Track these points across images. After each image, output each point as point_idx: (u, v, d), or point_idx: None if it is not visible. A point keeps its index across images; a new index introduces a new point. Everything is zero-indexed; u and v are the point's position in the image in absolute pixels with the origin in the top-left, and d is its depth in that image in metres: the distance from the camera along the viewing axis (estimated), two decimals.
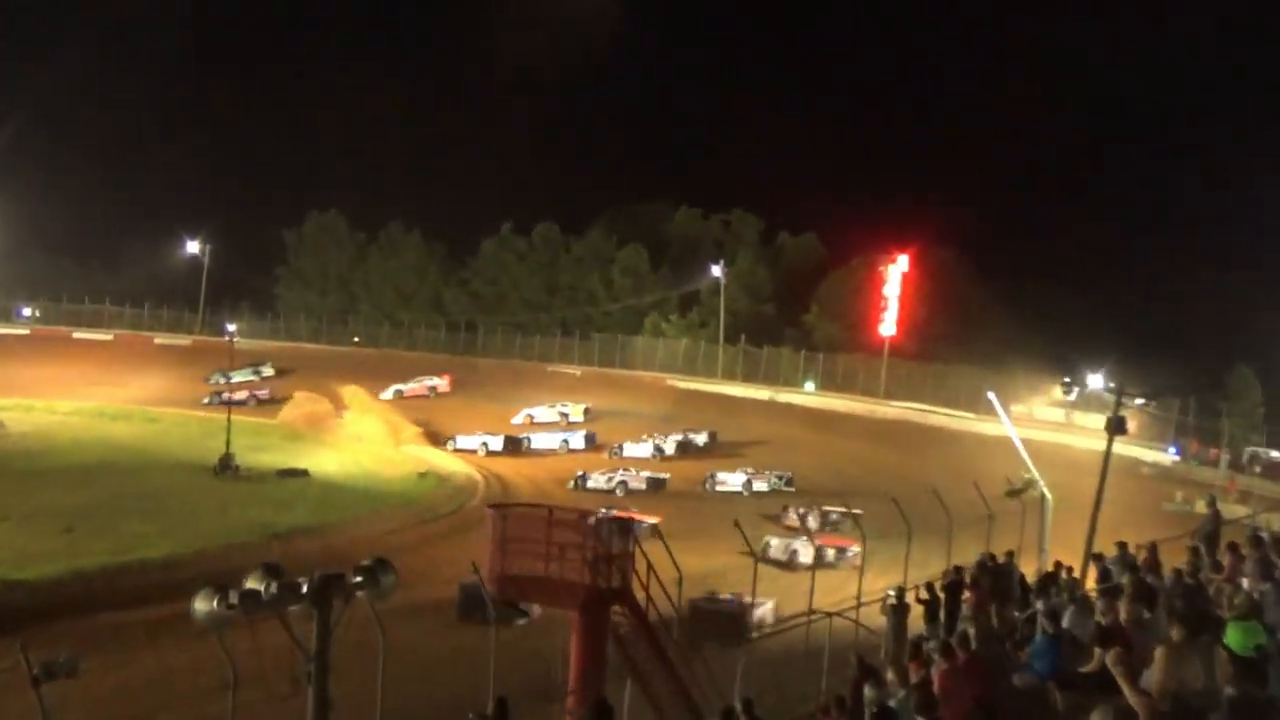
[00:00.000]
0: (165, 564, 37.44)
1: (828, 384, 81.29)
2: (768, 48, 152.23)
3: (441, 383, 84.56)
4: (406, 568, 12.22)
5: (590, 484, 57.59)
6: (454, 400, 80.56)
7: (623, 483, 57.13)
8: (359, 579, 10.10)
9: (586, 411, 74.26)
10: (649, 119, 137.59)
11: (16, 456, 59.77)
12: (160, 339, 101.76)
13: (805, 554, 40.47)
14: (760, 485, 58.27)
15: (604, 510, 33.76)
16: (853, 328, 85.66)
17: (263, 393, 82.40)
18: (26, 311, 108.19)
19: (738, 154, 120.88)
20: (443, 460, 64.01)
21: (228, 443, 58.51)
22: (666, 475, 59.35)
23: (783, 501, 53.35)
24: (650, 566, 26.54)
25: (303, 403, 76.71)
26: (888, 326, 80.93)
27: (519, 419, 73.89)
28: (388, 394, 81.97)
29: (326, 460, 63.07)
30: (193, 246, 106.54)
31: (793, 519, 48.38)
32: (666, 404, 78.12)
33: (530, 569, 25.29)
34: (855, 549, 39.16)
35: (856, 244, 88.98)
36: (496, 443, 67.36)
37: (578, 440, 67.68)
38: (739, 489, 58.16)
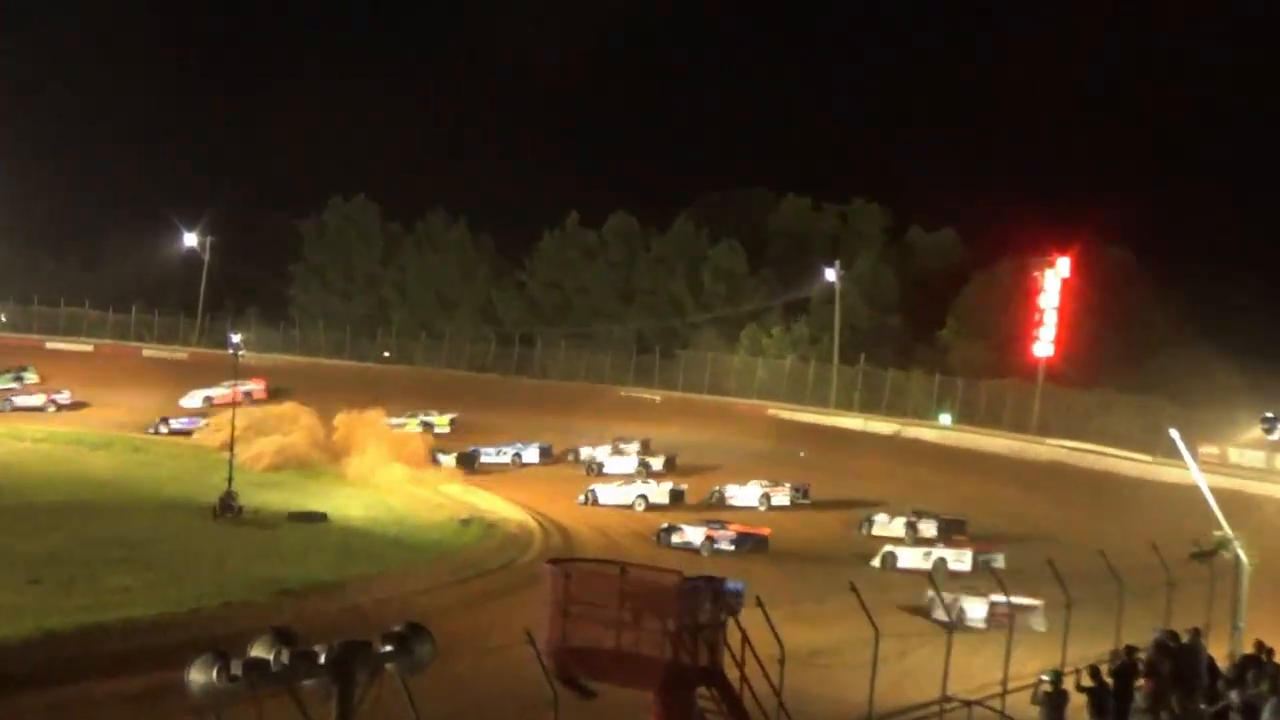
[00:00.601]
0: (153, 625, 37.72)
1: (967, 416, 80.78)
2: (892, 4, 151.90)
3: (256, 387, 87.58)
4: (445, 635, 12.22)
5: (675, 539, 57.07)
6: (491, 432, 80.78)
7: (709, 538, 56.59)
8: (388, 648, 10.12)
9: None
10: (745, 89, 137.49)
11: None
12: (150, 351, 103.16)
13: (975, 611, 40.22)
14: (780, 499, 65.08)
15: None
16: (999, 347, 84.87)
17: (62, 396, 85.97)
18: None
19: (857, 131, 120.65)
20: (490, 504, 64.17)
21: (230, 478, 59.06)
22: (767, 531, 58.47)
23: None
24: (746, 639, 26.38)
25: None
26: (1043, 346, 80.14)
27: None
28: (192, 400, 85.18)
29: (348, 501, 63.50)
30: (190, 239, 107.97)
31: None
32: (766, 439, 77.92)
33: (598, 640, 25.19)
34: (1037, 610, 38.99)
35: (1005, 243, 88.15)
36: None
37: (660, 493, 65.54)
38: (755, 503, 64.77)
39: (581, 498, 65.38)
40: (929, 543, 56.51)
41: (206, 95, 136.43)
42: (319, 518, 58.29)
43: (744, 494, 65.61)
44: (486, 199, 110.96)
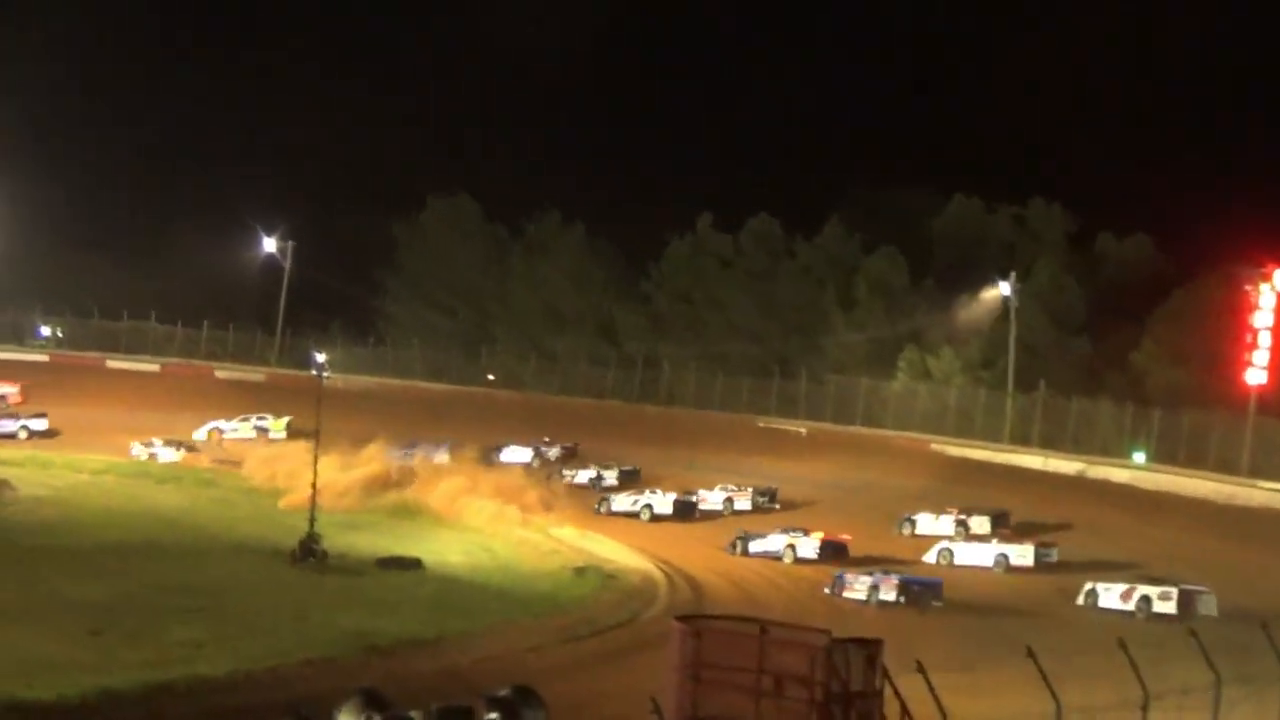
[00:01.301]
0: (225, 684, 38.13)
1: (1166, 453, 79.59)
2: None
3: (11, 391, 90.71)
4: (556, 700, 12.28)
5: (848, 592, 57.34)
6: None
7: (874, 586, 56.46)
8: (493, 715, 10.19)
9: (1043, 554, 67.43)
10: (903, 72, 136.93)
11: (28, 530, 61.69)
12: (224, 371, 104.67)
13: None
14: (743, 504, 72.96)
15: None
16: (1204, 373, 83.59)
17: (38, 423, 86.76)
18: (45, 331, 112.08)
19: (1034, 121, 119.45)
20: (609, 550, 64.26)
21: (311, 519, 59.53)
22: (939, 580, 58.74)
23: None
24: (905, 710, 26.16)
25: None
26: (1256, 373, 78.93)
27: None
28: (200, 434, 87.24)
29: (447, 545, 63.96)
30: (269, 245, 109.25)
31: None
32: (928, 477, 77.37)
33: (733, 709, 25.14)
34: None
35: (1211, 251, 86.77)
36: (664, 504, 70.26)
37: (808, 547, 64.71)
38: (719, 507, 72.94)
39: (730, 546, 65.52)
40: (981, 539, 66.19)
41: (285, 84, 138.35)
42: (412, 564, 58.60)
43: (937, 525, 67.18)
44: (606, 199, 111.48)
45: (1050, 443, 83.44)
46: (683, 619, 28.51)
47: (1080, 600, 57.60)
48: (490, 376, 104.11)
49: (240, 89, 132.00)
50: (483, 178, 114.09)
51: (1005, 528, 67.44)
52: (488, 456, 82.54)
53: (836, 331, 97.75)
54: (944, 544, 65.63)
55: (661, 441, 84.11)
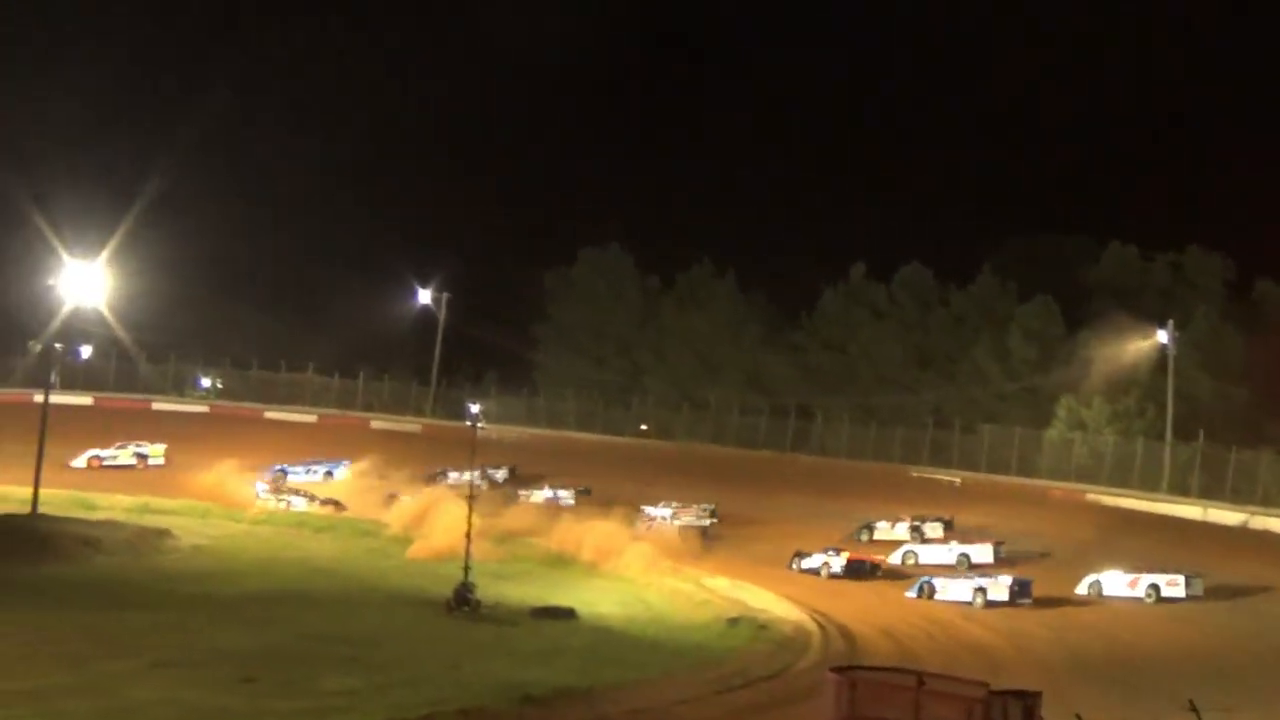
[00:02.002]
0: None
1: None
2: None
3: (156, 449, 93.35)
4: None
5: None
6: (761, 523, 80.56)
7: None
8: None
9: (998, 551, 71.94)
10: (1059, 117, 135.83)
11: (185, 578, 62.67)
12: (379, 422, 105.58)
13: None
14: (687, 519, 77.95)
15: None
16: None
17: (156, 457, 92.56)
18: (205, 382, 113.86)
19: (1192, 168, 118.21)
20: (761, 600, 63.81)
21: (466, 568, 59.75)
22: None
23: None
24: None
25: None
26: None
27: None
28: (79, 461, 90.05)
29: (599, 595, 63.88)
30: (424, 296, 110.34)
31: None
32: (1086, 528, 76.31)
33: None
34: None
35: None
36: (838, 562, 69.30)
37: (1000, 589, 64.00)
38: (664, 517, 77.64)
39: (913, 592, 65.36)
40: (940, 542, 73.57)
41: (438, 139, 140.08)
42: (566, 614, 58.52)
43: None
44: (758, 248, 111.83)
45: (1208, 493, 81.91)
46: (838, 670, 28.18)
47: (1084, 590, 64.88)
48: (643, 426, 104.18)
49: (396, 144, 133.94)
50: (634, 228, 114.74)
51: (951, 530, 75.55)
52: (433, 480, 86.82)
53: (990, 381, 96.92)
54: (906, 547, 73.10)
55: (813, 491, 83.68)
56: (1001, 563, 69.37)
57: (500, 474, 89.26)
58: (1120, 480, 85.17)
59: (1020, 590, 63.36)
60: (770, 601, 63.51)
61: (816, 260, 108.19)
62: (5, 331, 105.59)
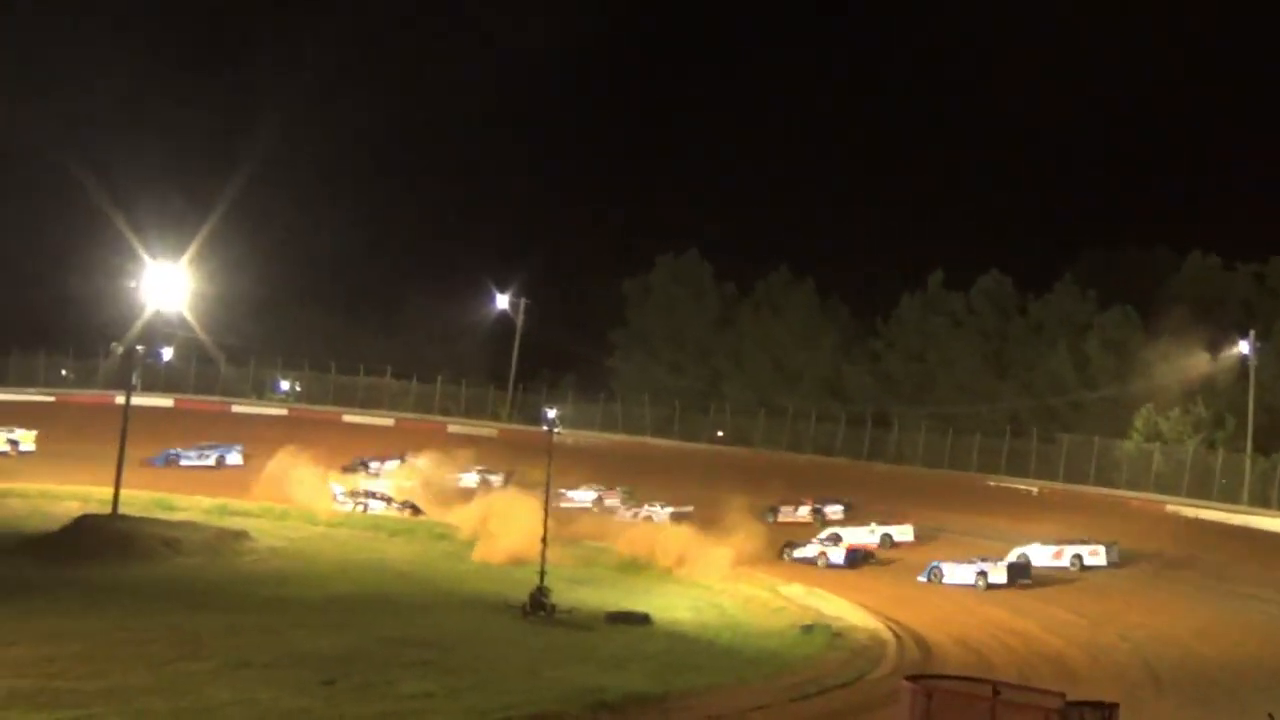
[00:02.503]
0: None
1: None
2: None
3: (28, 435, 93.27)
4: None
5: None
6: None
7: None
8: None
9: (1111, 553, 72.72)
10: (1135, 130, 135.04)
11: (264, 580, 63.19)
12: (456, 426, 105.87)
13: None
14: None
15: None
16: None
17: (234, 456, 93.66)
18: (285, 385, 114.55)
19: (1274, 177, 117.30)
20: (836, 608, 63.67)
21: (541, 573, 59.84)
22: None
23: None
24: None
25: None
26: None
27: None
28: None
29: (674, 600, 63.93)
30: (502, 302, 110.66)
31: None
32: (1163, 538, 75.87)
33: None
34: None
35: None
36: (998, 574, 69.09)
37: (1000, 572, 68.36)
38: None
39: (923, 577, 69.26)
40: (839, 524, 79.11)
41: (515, 142, 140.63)
42: (641, 619, 58.54)
43: None
44: (836, 255, 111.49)
45: None
46: (913, 679, 28.06)
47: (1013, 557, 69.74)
48: (720, 433, 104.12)
49: (475, 151, 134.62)
50: (712, 235, 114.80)
51: (851, 513, 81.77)
52: (352, 470, 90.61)
53: (1068, 390, 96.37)
54: (833, 530, 76.88)
55: (889, 499, 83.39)
56: (1115, 565, 71.32)
57: (496, 479, 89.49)
58: (1200, 491, 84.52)
59: (1018, 572, 68.21)
60: (845, 609, 63.36)
61: (894, 268, 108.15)
62: (88, 334, 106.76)
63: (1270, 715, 30.88)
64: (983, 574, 67.68)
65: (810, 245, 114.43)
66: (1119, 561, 71.42)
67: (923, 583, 68.62)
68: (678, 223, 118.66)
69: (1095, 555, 71.26)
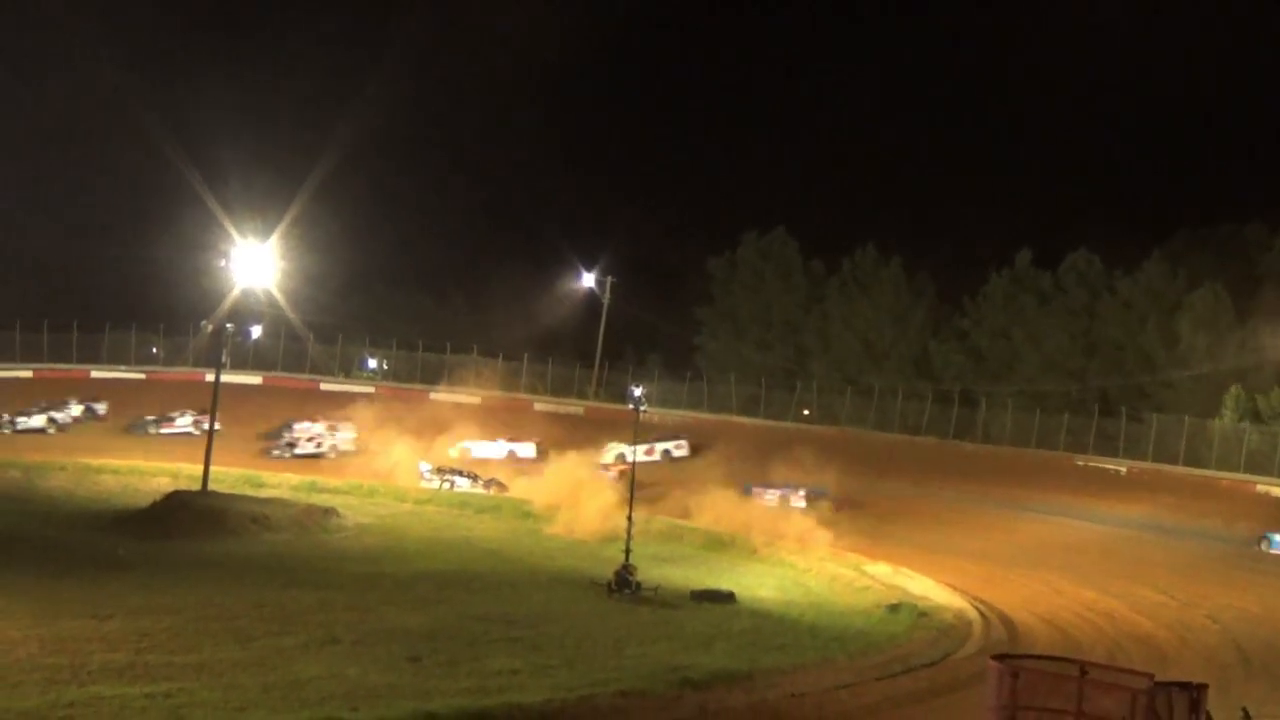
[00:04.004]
0: (541, 713, 38.46)
1: None
2: None
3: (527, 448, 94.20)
4: None
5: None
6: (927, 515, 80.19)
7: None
8: None
9: None
10: (1226, 106, 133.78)
11: (352, 558, 63.66)
12: (542, 404, 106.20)
13: None
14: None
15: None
16: None
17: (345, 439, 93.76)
18: (372, 363, 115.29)
19: None
20: (922, 587, 63.49)
21: (627, 550, 60.08)
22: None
23: None
24: None
25: None
26: None
27: None
28: None
29: (758, 579, 64.07)
30: (588, 280, 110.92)
31: None
32: (1252, 518, 75.29)
33: None
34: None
35: None
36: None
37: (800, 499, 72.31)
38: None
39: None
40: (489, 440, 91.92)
41: (602, 121, 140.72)
42: (726, 598, 58.64)
43: None
44: (923, 234, 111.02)
45: None
46: (999, 658, 27.94)
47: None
48: (805, 411, 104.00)
49: (561, 130, 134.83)
50: (799, 213, 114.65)
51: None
52: (277, 435, 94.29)
53: (1158, 369, 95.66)
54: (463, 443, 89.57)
55: (975, 479, 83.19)
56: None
57: (525, 449, 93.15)
58: None
59: (817, 495, 78.44)
60: (931, 588, 63.17)
61: (982, 246, 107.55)
62: (179, 311, 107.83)
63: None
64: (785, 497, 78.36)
65: (897, 223, 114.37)
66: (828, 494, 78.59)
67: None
68: (764, 200, 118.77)
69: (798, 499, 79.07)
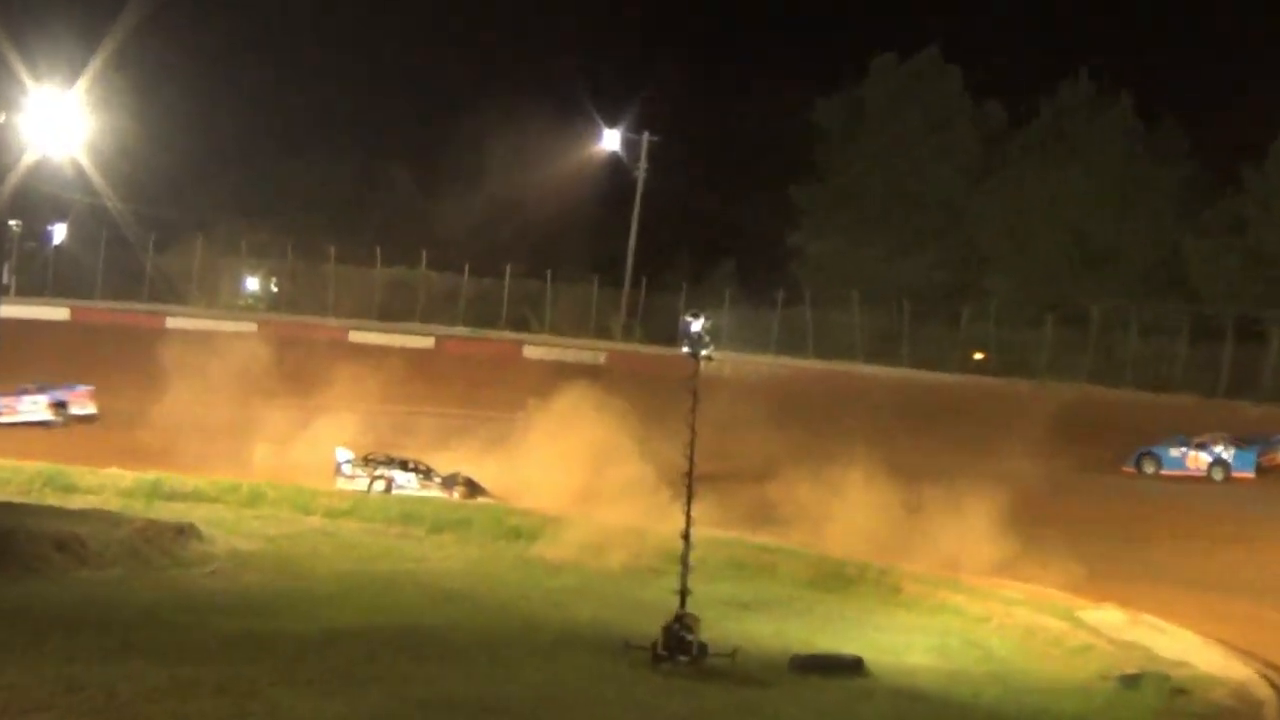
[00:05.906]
0: None
1: None
2: None
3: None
4: None
5: None
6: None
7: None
8: None
9: None
10: None
11: (224, 608, 61.93)
12: (536, 348, 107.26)
13: None
14: None
15: None
16: None
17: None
18: (254, 284, 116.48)
19: None
20: (1176, 644, 63.26)
21: (682, 591, 59.17)
22: None
23: None
24: None
25: None
26: None
27: None
28: None
29: (906, 634, 63.95)
30: (612, 140, 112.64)
31: None
32: None
33: None
34: None
35: None
36: None
37: None
38: None
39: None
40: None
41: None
42: (850, 666, 58.25)
43: None
44: (1169, 60, 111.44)
45: None
46: None
47: None
48: (978, 355, 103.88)
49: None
50: (962, 26, 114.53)
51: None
52: None
53: None
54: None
55: None
56: None
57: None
58: None
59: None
60: (1193, 647, 62.96)
61: (1275, 83, 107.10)
62: None
63: None
64: None
65: (1125, 41, 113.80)
66: None
67: None
68: (906, 3, 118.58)
69: None
